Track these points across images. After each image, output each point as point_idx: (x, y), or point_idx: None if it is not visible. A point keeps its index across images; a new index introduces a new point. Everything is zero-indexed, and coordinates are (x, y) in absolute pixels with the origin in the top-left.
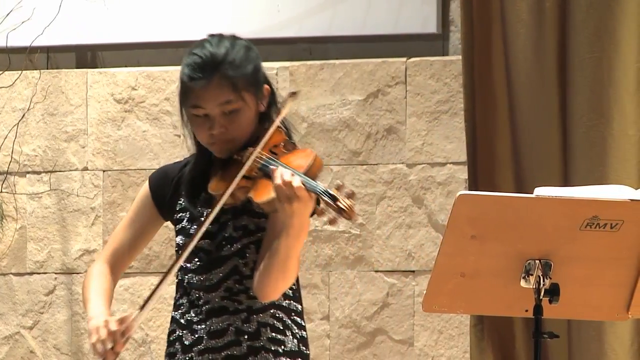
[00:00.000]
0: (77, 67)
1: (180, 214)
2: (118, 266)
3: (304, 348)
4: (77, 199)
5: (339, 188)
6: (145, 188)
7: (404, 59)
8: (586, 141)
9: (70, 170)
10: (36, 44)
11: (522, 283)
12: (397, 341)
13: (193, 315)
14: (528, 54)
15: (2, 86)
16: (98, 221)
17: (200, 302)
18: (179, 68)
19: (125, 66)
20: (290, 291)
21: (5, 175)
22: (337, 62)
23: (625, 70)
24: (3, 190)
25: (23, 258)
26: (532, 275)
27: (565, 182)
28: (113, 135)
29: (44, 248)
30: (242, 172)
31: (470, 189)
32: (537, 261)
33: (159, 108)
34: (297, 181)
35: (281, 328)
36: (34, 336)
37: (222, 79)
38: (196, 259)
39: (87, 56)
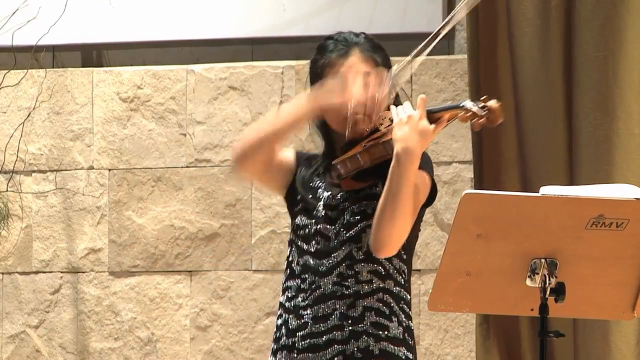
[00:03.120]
0: (83, 66)
1: (299, 196)
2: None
3: (409, 338)
4: (82, 198)
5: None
6: (290, 152)
7: (409, 58)
8: (592, 140)
9: (76, 169)
10: (42, 42)
11: (528, 282)
12: None
13: (300, 300)
14: (533, 52)
15: (8, 85)
16: (104, 220)
17: (311, 287)
18: (184, 67)
19: (131, 65)
20: (402, 279)
21: (11, 174)
22: None
23: (631, 69)
24: (9, 189)
25: (29, 257)
26: (537, 274)
27: (571, 181)
28: (119, 134)
29: (49, 247)
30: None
31: (476, 188)
32: (543, 260)
33: (164, 107)
34: (412, 111)
35: (387, 313)
36: (40, 335)
37: (363, 51)
38: (314, 242)
39: (92, 55)
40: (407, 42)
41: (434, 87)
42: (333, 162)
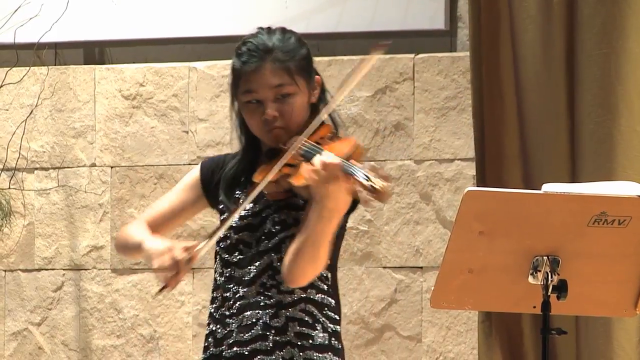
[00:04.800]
0: (85, 64)
1: (221, 205)
2: (156, 231)
3: (335, 342)
4: (85, 195)
5: (373, 169)
6: (195, 170)
7: (411, 55)
8: (594, 137)
9: (78, 167)
10: (44, 40)
11: (530, 279)
12: (405, 337)
13: (225, 309)
14: (536, 50)
15: (10, 82)
16: (106, 217)
17: (235, 296)
18: (186, 64)
19: (133, 62)
20: (325, 286)
21: (13, 171)
22: (345, 58)
23: (633, 66)
24: (11, 187)
25: (31, 254)
26: (540, 271)
27: (573, 179)
28: (121, 132)
29: (52, 244)
30: (285, 158)
31: (478, 185)
32: (545, 257)
33: (166, 104)
34: (335, 162)
35: (310, 322)
36: (42, 332)
37: (275, 61)
38: (237, 252)
39: (94, 52)
40: (409, 40)
41: (436, 85)
42: (253, 179)
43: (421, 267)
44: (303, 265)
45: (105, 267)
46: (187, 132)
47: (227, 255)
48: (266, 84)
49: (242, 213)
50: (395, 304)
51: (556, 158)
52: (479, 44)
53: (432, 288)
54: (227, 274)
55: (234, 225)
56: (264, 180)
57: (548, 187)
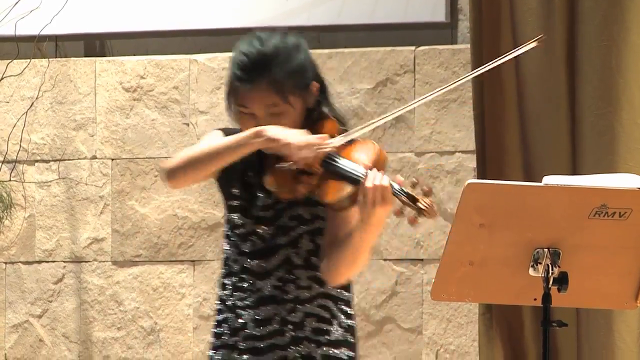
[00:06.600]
0: (86, 56)
1: (234, 190)
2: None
3: (350, 337)
4: (85, 188)
5: (414, 186)
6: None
7: (412, 48)
8: (595, 130)
9: (79, 159)
10: (45, 32)
11: (531, 272)
12: (405, 329)
13: (238, 300)
14: None
15: (11, 75)
16: (107, 210)
17: (250, 288)
18: (187, 57)
19: (134, 55)
20: None
21: (14, 163)
22: (346, 50)
23: (634, 59)
24: (12, 179)
25: (32, 246)
26: (540, 263)
27: (574, 171)
28: (122, 124)
29: (52, 236)
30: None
31: (478, 178)
32: (546, 250)
33: (167, 96)
34: (386, 186)
35: (327, 317)
36: (43, 324)
37: (269, 83)
38: (249, 243)
39: (95, 45)
40: (410, 32)
41: (437, 77)
42: (266, 185)
43: (422, 260)
44: (345, 271)
45: (106, 259)
46: (187, 125)
47: (241, 243)
48: (259, 103)
49: (260, 203)
50: (396, 297)
51: (557, 150)
52: (479, 36)
53: (433, 280)
54: (241, 262)
55: (251, 213)
56: (284, 194)
57: (549, 180)
